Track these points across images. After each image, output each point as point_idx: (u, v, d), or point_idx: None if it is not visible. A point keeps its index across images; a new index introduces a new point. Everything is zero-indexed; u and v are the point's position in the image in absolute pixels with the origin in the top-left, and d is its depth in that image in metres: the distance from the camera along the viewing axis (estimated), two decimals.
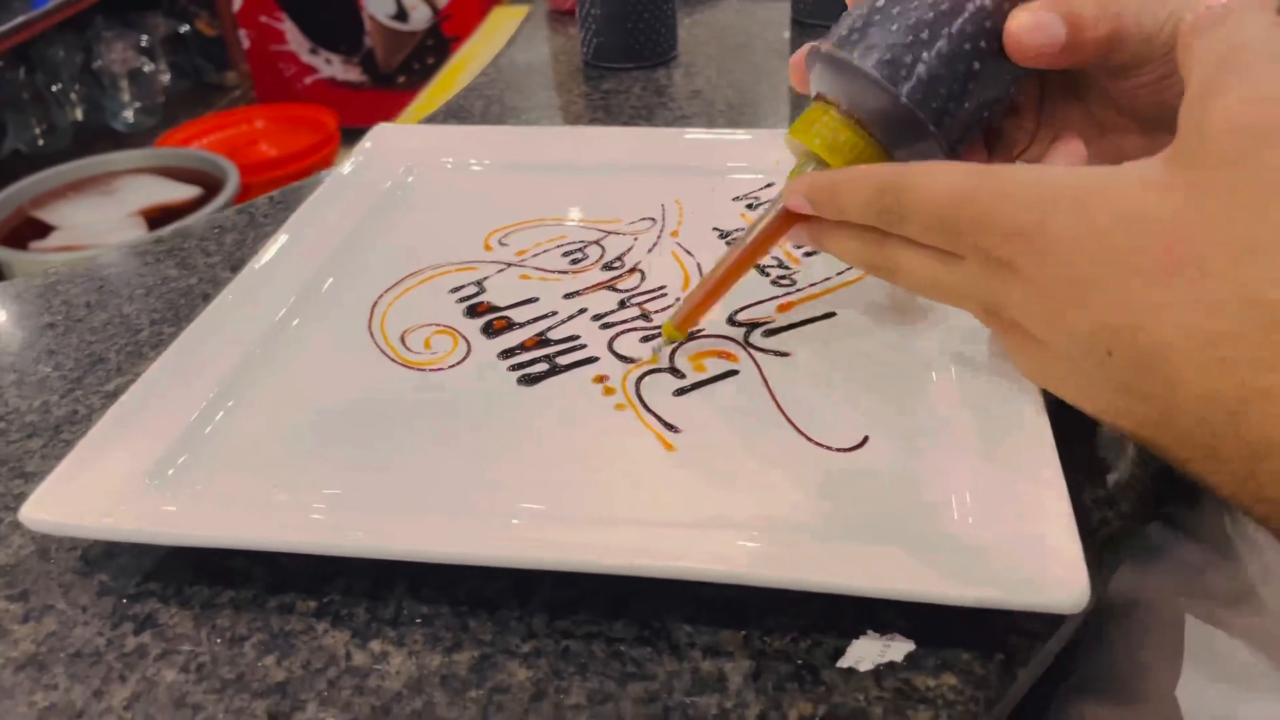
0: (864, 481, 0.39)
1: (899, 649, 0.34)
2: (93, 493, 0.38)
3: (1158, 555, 0.44)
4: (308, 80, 2.91)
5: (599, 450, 0.41)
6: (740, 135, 0.64)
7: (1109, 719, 0.42)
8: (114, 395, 0.47)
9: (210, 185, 1.99)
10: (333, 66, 2.90)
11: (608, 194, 0.59)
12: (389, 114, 1.98)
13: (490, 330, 0.48)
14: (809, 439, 0.41)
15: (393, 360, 0.47)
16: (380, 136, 0.64)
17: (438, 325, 0.49)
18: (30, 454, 0.45)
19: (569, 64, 0.82)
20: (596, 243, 0.55)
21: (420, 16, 2.77)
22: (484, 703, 0.33)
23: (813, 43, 0.43)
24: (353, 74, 2.89)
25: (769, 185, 0.59)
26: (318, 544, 0.36)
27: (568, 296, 0.51)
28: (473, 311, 0.50)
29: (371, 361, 0.47)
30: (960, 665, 0.33)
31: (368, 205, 0.58)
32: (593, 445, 0.42)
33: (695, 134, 0.64)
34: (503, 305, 0.50)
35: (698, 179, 0.60)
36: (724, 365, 0.45)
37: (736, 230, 0.55)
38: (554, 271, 0.53)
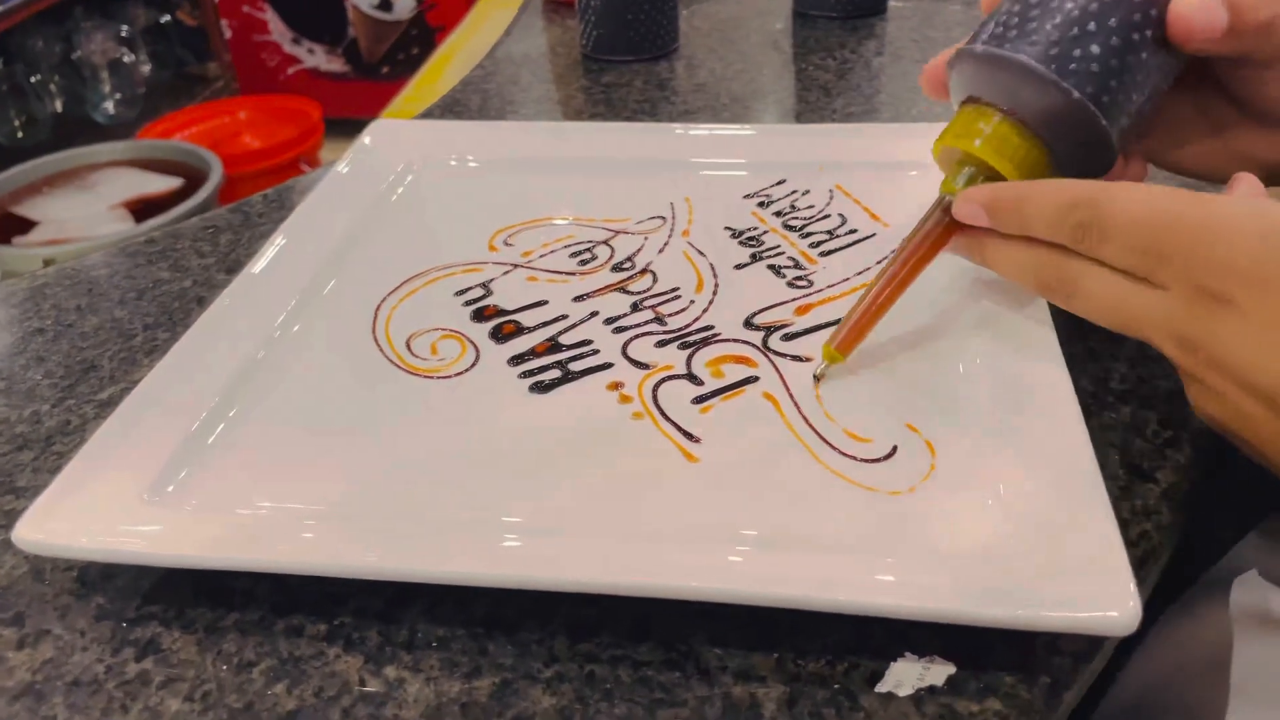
0: (892, 495, 0.37)
1: (939, 672, 0.33)
2: (88, 511, 0.36)
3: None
4: (290, 71, 2.88)
5: (619, 462, 0.40)
6: (748, 130, 0.62)
7: None
8: (108, 404, 0.46)
9: (193, 177, 1.96)
10: (316, 57, 2.87)
11: (615, 192, 0.57)
12: (373, 105, 1.96)
13: (499, 335, 0.47)
14: (836, 449, 0.39)
15: (399, 367, 0.45)
16: (379, 132, 0.62)
17: (444, 330, 0.47)
18: (21, 467, 0.43)
19: (567, 57, 0.80)
20: (605, 243, 0.53)
21: (404, 6, 2.75)
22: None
23: (956, 46, 0.42)
24: (336, 64, 2.86)
25: (780, 182, 0.57)
26: (327, 565, 0.35)
27: (578, 299, 0.49)
28: (480, 315, 0.48)
29: (377, 368, 0.45)
30: (1004, 689, 0.32)
31: (367, 204, 0.56)
32: (612, 457, 0.40)
33: (702, 129, 0.62)
34: (511, 309, 0.48)
35: (707, 176, 0.58)
36: (743, 371, 0.44)
37: (748, 229, 0.53)
38: (562, 273, 0.51)
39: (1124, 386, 0.43)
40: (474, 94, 0.75)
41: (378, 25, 2.79)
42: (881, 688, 0.32)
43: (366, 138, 0.61)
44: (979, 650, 0.33)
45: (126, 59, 2.59)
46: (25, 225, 1.88)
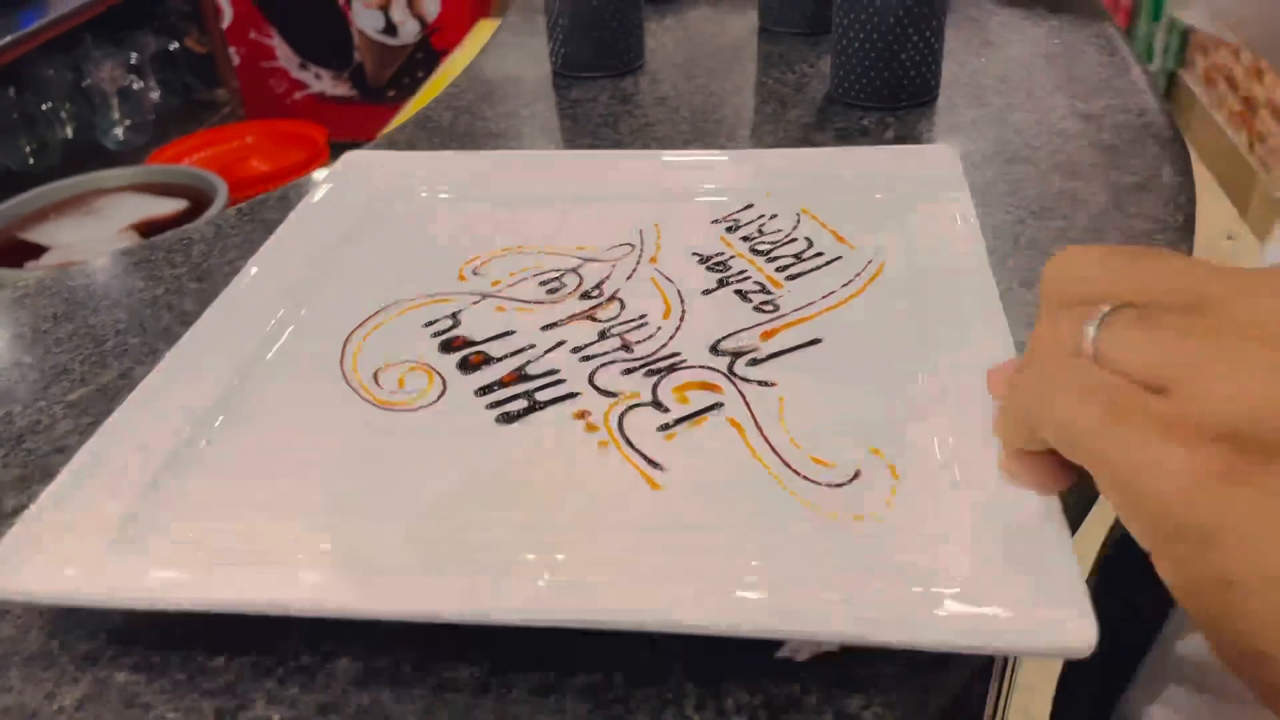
0: (856, 519, 0.38)
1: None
2: (51, 557, 0.36)
3: None
4: (297, 96, 2.93)
5: (582, 491, 0.40)
6: (717, 156, 0.63)
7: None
8: (75, 404, 0.48)
9: (200, 201, 2.00)
10: (322, 82, 2.92)
11: (584, 219, 0.58)
12: (379, 128, 1.98)
13: (467, 366, 0.47)
14: (799, 474, 0.40)
15: (366, 401, 0.45)
16: (351, 164, 0.62)
17: (412, 362, 0.48)
18: None
19: (538, 73, 0.83)
20: (574, 270, 0.54)
21: (409, 31, 2.79)
22: (429, 700, 0.34)
23: None
24: (342, 89, 2.91)
25: (748, 207, 0.58)
26: (295, 605, 0.34)
27: (546, 328, 0.49)
28: (448, 346, 0.48)
29: (344, 403, 0.45)
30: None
31: (337, 236, 0.56)
32: (575, 486, 0.40)
33: (672, 156, 0.63)
34: (479, 339, 0.49)
35: (676, 202, 0.59)
36: (709, 398, 0.44)
37: (716, 255, 0.54)
38: (531, 302, 0.51)
39: None
40: (445, 110, 0.78)
41: (383, 50, 2.84)
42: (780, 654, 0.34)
43: (339, 168, 0.61)
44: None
45: (136, 86, 2.64)
46: (35, 251, 1.92)
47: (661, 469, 0.40)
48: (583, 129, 0.73)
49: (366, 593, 0.35)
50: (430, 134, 0.74)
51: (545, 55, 0.84)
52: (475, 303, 0.51)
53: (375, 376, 0.47)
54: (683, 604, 0.34)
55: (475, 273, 0.54)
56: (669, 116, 0.73)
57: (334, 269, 0.54)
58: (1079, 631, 0.31)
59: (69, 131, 2.57)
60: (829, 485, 0.39)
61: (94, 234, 1.95)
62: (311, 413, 0.45)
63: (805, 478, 0.39)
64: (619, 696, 0.34)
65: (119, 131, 2.62)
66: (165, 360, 0.46)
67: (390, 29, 2.81)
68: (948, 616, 0.33)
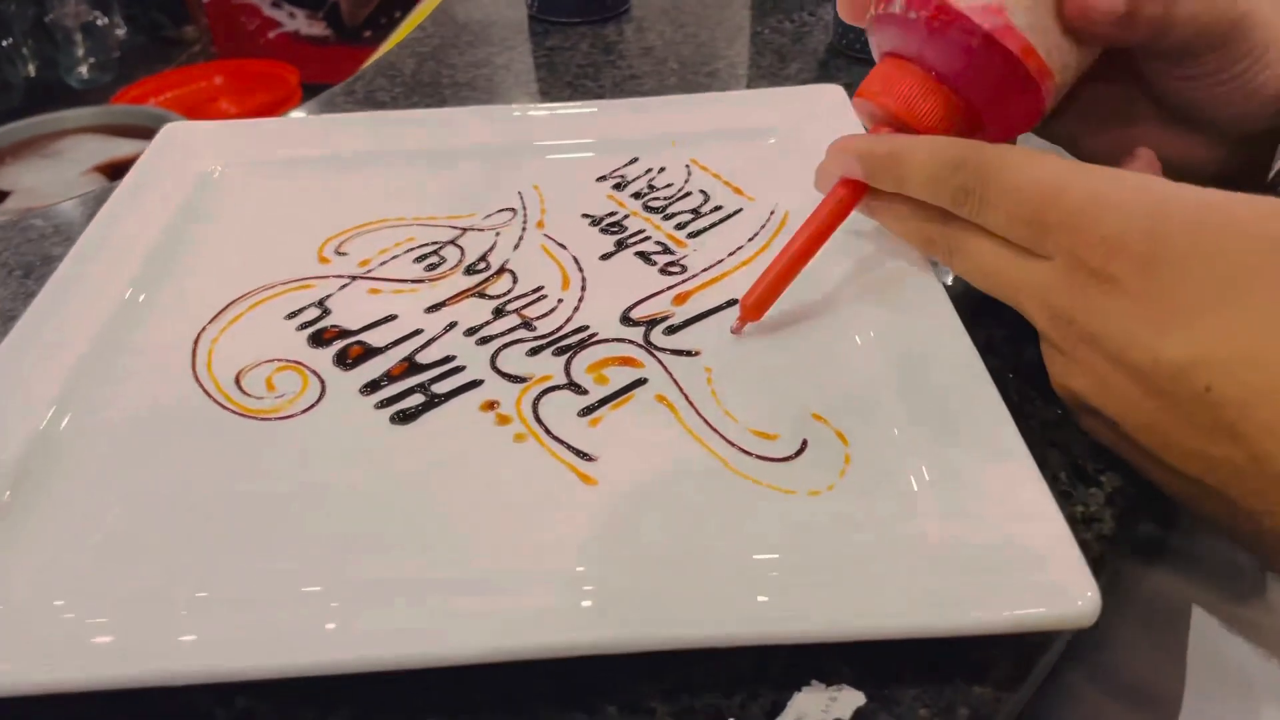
0: (812, 495, 0.34)
1: (846, 704, 0.29)
2: None
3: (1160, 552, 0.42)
4: (271, 35, 2.82)
5: (507, 496, 0.34)
6: (591, 107, 0.56)
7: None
8: None
9: None
10: (296, 20, 2.81)
11: (455, 184, 0.51)
12: (354, 70, 1.90)
13: (345, 360, 0.41)
14: (743, 450, 0.36)
15: (229, 410, 0.39)
16: (171, 139, 0.53)
17: (279, 361, 0.41)
18: None
19: (513, 18, 0.76)
20: (452, 243, 0.48)
21: None
22: None
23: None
24: (317, 29, 2.81)
25: (633, 161, 0.53)
26: (153, 674, 0.28)
27: (431, 310, 0.43)
28: (319, 339, 0.42)
29: (202, 414, 0.39)
30: None
31: (165, 222, 0.49)
32: (497, 490, 0.35)
33: (542, 109, 0.56)
34: (355, 328, 0.42)
35: (553, 160, 0.53)
36: (629, 374, 0.39)
37: (608, 215, 0.49)
38: (409, 281, 0.45)
39: None
40: (409, 57, 0.71)
41: None
42: None
43: (157, 145, 0.53)
44: (892, 678, 0.30)
45: (100, 22, 2.54)
46: None
47: (592, 460, 0.36)
48: (560, 80, 0.66)
49: (274, 647, 0.29)
50: (392, 82, 0.67)
51: None
52: (344, 287, 0.45)
53: (238, 381, 0.40)
54: (702, 619, 0.29)
55: (339, 252, 0.47)
56: (655, 69, 0.66)
57: (167, 261, 0.46)
58: (1083, 600, 0.28)
59: (31, 70, 2.48)
60: (776, 460, 0.35)
61: (57, 176, 1.88)
62: (162, 432, 0.38)
63: (751, 454, 0.36)
64: None
65: (83, 70, 2.53)
66: None
67: None
68: (923, 602, 0.29)
